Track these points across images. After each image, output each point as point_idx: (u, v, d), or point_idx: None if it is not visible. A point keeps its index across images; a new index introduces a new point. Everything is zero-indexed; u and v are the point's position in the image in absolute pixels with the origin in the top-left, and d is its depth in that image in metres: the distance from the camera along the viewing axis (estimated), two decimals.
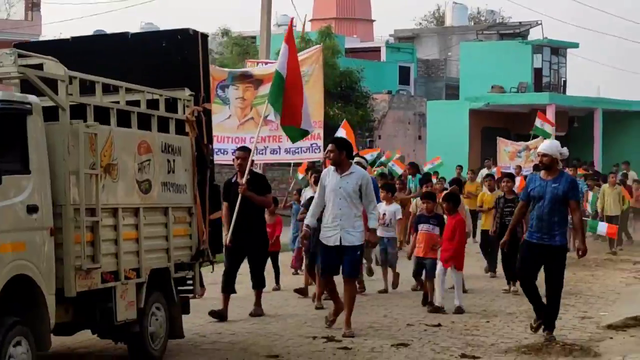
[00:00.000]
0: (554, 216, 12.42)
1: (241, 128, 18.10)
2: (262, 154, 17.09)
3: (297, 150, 18.21)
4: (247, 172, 14.28)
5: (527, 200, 12.86)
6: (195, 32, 12.12)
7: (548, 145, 12.99)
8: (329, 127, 43.32)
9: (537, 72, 55.04)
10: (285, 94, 14.74)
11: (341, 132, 23.70)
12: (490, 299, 16.44)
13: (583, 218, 23.76)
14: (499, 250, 17.52)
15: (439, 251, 15.41)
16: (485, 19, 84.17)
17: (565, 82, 57.36)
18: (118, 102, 10.84)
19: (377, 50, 64.41)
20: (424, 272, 15.61)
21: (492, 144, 30.30)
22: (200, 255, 11.89)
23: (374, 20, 77.20)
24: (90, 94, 10.37)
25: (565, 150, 13.15)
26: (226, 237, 13.95)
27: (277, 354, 11.58)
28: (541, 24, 63.50)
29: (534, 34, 61.99)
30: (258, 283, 14.53)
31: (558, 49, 56.49)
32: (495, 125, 41.17)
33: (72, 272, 9.46)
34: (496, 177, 23.12)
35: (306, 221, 13.35)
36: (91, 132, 9.73)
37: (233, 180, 14.61)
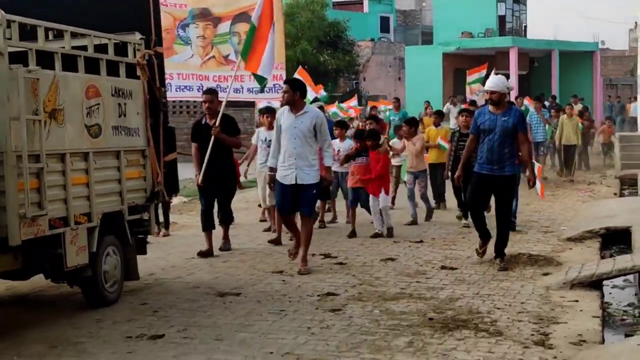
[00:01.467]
0: (504, 148, 11.48)
1: (204, 66, 16.00)
2: (225, 91, 14.71)
3: (258, 90, 16.00)
4: (220, 114, 13.13)
5: (477, 133, 11.79)
6: None
7: (495, 82, 11.75)
8: (320, 72, 43.50)
9: (501, 19, 54.84)
10: (254, 44, 13.59)
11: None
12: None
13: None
14: (446, 182, 16.81)
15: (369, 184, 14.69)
16: None
17: (526, 27, 57.17)
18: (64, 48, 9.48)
19: (360, 3, 63.98)
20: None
21: (463, 83, 30.04)
22: (155, 196, 10.73)
23: None
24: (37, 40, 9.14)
25: (511, 84, 12.02)
26: (197, 177, 13.22)
27: (281, 270, 11.63)
28: None
29: None
30: (226, 218, 13.55)
31: None
32: (465, 67, 40.97)
33: (16, 220, 8.26)
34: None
35: (269, 164, 11.98)
36: (32, 77, 8.44)
37: (203, 122, 13.34)
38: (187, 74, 15.83)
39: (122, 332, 8.66)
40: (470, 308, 9.35)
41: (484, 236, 12.04)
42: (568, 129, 24.91)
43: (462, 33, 52.68)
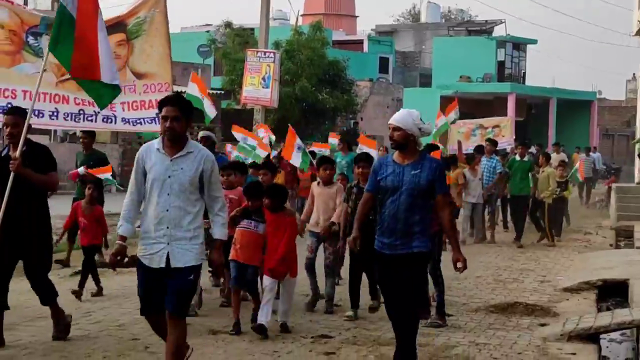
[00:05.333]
0: (413, 214, 7.97)
1: (61, 85, 11.10)
2: (92, 120, 11.36)
3: (138, 121, 11.66)
4: (22, 141, 9.00)
5: (376, 191, 8.22)
6: None
7: (402, 116, 8.16)
8: (318, 110, 43.52)
9: (500, 65, 55.26)
10: (77, 38, 9.35)
11: (192, 87, 17.25)
12: None
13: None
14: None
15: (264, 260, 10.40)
16: (455, 17, 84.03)
17: (524, 73, 57.56)
18: None
19: (360, 42, 64.28)
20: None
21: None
22: None
23: (357, 16, 76.98)
24: None
25: (428, 125, 8.18)
26: None
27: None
28: (504, 22, 63.74)
29: (498, 31, 62.11)
30: (47, 295, 9.45)
31: (519, 45, 56.66)
32: (462, 111, 41.05)
33: None
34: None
35: (120, 230, 7.59)
36: None
37: (4, 154, 9.26)
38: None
39: None
40: (466, 357, 9.23)
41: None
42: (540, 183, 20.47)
43: (461, 77, 52.99)
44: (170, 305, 7.36)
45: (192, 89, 17.09)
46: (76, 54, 9.34)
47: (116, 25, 11.34)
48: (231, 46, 45.54)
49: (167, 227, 7.35)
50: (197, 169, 7.44)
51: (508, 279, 14.65)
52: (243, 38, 46.02)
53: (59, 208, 13.71)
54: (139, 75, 11.45)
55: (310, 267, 11.60)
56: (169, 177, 7.39)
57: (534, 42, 58.27)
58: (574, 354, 9.49)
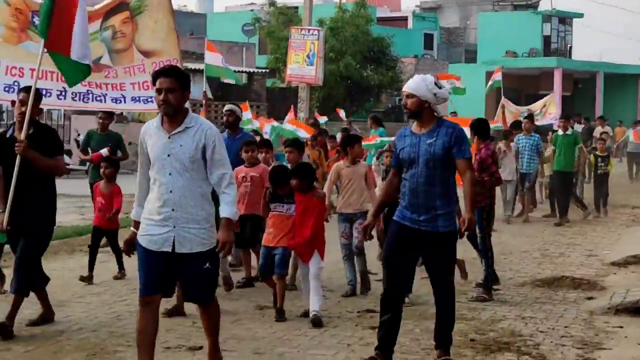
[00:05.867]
0: (433, 186, 7.45)
1: None
2: (100, 101, 11.07)
3: (150, 99, 10.95)
4: (26, 122, 8.64)
5: (399, 166, 7.74)
6: None
7: (415, 82, 7.57)
8: (363, 87, 43.45)
9: (546, 39, 54.89)
10: (56, 12, 9.09)
11: (211, 56, 16.97)
12: (507, 238, 16.20)
13: None
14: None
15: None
16: None
17: (571, 48, 57.10)
18: None
19: (404, 19, 64.07)
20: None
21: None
22: None
23: None
24: None
25: (444, 91, 7.56)
26: (1, 216, 8.72)
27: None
28: None
29: (544, 5, 61.73)
30: (22, 285, 8.65)
31: (565, 19, 56.23)
32: (508, 86, 40.84)
33: None
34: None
35: (132, 215, 7.14)
36: None
37: (9, 135, 8.96)
38: (44, 70, 10.34)
39: (160, 342, 8.55)
40: (512, 330, 9.20)
41: (385, 341, 7.87)
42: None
43: (506, 52, 52.73)
44: (195, 295, 7.11)
45: (211, 59, 16.62)
46: (53, 28, 9.07)
47: (119, 6, 11.22)
48: (275, 24, 45.56)
49: (172, 210, 6.76)
50: (197, 146, 6.81)
51: (554, 253, 14.58)
52: (287, 16, 46.00)
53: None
54: (146, 54, 11.16)
55: (351, 256, 11.09)
56: (168, 155, 6.79)
57: (580, 15, 57.73)
58: (621, 327, 9.44)
